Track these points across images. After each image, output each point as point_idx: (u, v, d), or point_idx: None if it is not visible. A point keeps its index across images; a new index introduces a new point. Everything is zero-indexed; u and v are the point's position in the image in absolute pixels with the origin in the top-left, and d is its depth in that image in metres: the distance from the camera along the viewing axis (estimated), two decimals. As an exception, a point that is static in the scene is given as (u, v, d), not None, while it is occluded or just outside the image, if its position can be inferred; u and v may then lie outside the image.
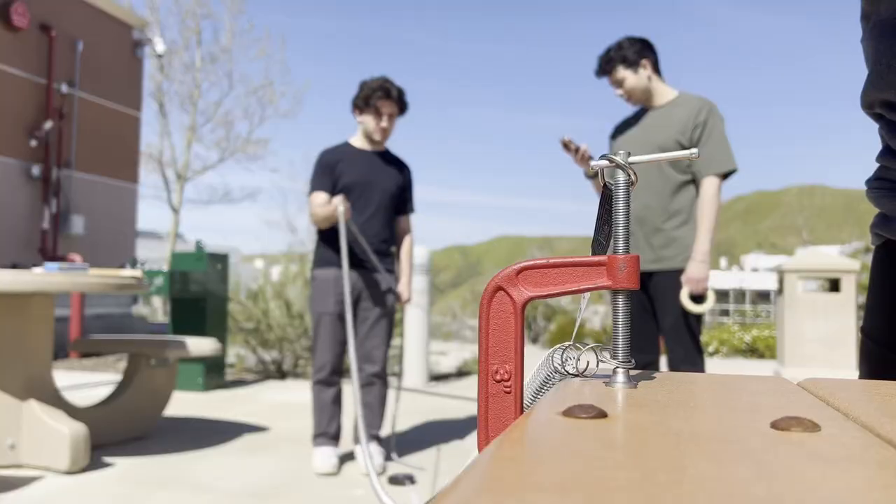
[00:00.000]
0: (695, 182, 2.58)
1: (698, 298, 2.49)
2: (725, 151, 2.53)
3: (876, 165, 0.79)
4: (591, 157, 2.62)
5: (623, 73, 2.62)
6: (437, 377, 5.92)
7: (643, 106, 2.69)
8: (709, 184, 2.50)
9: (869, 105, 0.77)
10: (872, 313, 0.79)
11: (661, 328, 2.56)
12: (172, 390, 3.55)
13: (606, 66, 2.64)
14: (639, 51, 2.62)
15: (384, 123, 2.95)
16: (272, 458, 3.05)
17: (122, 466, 2.85)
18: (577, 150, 2.56)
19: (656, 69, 2.65)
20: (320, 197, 2.89)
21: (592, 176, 2.70)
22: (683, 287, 2.47)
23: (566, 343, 0.51)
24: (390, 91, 2.94)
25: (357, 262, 2.90)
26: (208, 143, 15.03)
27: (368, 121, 2.95)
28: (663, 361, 2.79)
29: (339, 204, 2.73)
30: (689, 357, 2.50)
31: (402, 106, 3.00)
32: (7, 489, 2.49)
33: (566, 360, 0.49)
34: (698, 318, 2.54)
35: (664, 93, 2.65)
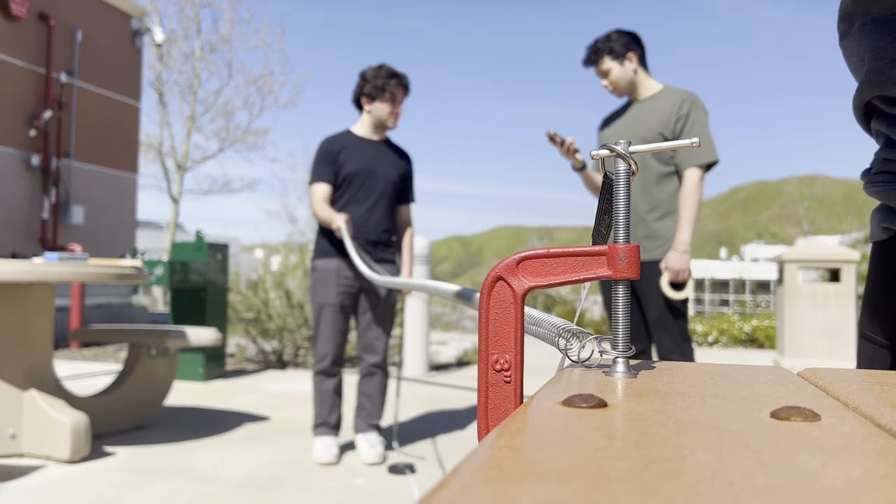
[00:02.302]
0: (678, 173, 2.60)
1: (678, 286, 2.53)
2: (707, 143, 2.56)
3: (871, 159, 0.79)
4: (576, 150, 2.68)
5: (609, 64, 2.66)
6: (438, 367, 5.94)
7: (629, 98, 2.73)
8: (690, 175, 2.53)
9: (862, 105, 0.76)
10: (872, 309, 0.78)
11: (647, 320, 2.60)
12: (173, 380, 3.55)
13: (593, 56, 2.69)
14: (626, 43, 2.66)
15: (398, 110, 2.98)
16: (272, 447, 3.06)
17: (123, 456, 2.86)
18: (562, 142, 2.62)
19: (642, 63, 2.70)
20: (322, 189, 2.89)
21: (580, 168, 2.75)
22: (663, 274, 2.50)
23: (573, 326, 0.51)
24: (401, 78, 2.99)
25: (359, 254, 2.90)
26: (208, 132, 14.99)
27: (382, 108, 2.96)
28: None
29: (341, 225, 2.72)
30: (678, 346, 2.53)
31: (408, 91, 3.04)
32: (8, 478, 2.50)
33: (570, 345, 0.49)
34: (683, 305, 2.57)
35: (649, 86, 2.69)
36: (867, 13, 0.74)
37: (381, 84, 2.94)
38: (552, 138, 2.63)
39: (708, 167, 2.57)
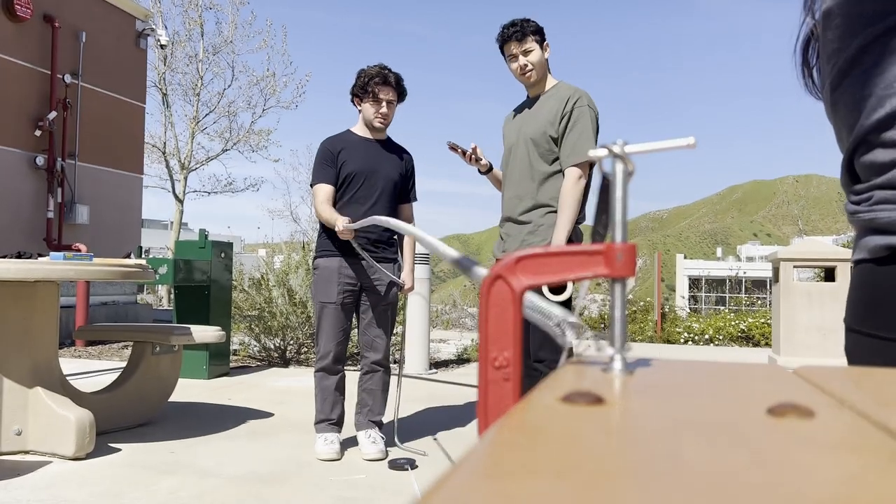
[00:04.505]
0: (556, 175, 2.57)
1: (557, 289, 2.33)
2: (587, 142, 2.49)
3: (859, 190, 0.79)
4: (479, 158, 2.70)
5: (533, 44, 2.61)
6: (438, 364, 5.95)
7: (528, 94, 2.72)
8: (568, 174, 2.49)
9: (857, 143, 0.76)
10: (861, 306, 0.79)
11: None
12: (177, 377, 3.57)
13: (521, 30, 2.59)
14: (542, 32, 2.65)
15: (384, 109, 2.93)
16: (275, 443, 3.07)
17: (128, 452, 2.87)
18: (464, 152, 2.63)
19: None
20: (324, 190, 2.89)
21: (486, 171, 2.76)
22: None
23: (573, 319, 0.51)
24: (388, 77, 2.92)
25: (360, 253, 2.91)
26: (211, 133, 15.01)
27: (367, 108, 2.94)
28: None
29: (342, 227, 2.70)
30: (549, 343, 2.36)
31: (400, 91, 2.98)
32: (14, 475, 2.52)
33: (566, 333, 0.50)
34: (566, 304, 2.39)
35: (549, 81, 2.68)
36: (862, 66, 0.75)
37: (363, 83, 2.92)
38: (453, 149, 2.62)
39: (591, 167, 2.53)
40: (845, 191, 0.83)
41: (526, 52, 2.60)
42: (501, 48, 2.66)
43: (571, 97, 2.53)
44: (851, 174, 0.81)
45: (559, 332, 0.50)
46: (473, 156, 2.66)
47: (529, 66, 2.60)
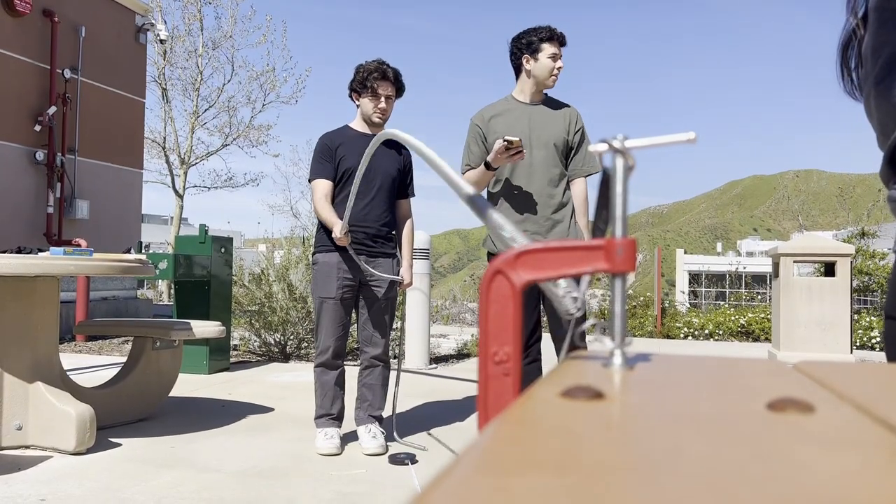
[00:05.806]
0: (566, 179, 2.82)
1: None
2: (593, 155, 2.74)
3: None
4: (520, 151, 2.65)
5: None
6: (438, 359, 5.96)
7: (529, 98, 2.80)
8: (584, 183, 2.83)
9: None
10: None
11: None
12: (177, 372, 3.57)
13: (564, 36, 2.79)
14: None
15: (382, 104, 2.93)
16: (276, 438, 3.08)
17: (128, 447, 2.88)
18: (518, 150, 2.57)
19: None
20: (322, 186, 2.89)
21: (496, 168, 2.72)
22: None
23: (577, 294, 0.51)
24: (387, 72, 2.92)
25: (359, 249, 2.90)
26: (211, 128, 14.98)
27: (366, 103, 2.93)
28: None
29: (339, 233, 2.70)
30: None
31: (399, 87, 2.98)
32: (15, 469, 2.52)
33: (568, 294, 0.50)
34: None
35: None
36: None
37: (363, 79, 2.91)
38: (509, 143, 2.53)
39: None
40: (885, 182, 0.83)
41: (561, 57, 2.78)
42: (538, 43, 2.74)
43: (578, 114, 2.83)
44: (894, 166, 0.81)
45: (565, 302, 0.50)
46: (520, 151, 2.61)
47: (558, 73, 2.79)
